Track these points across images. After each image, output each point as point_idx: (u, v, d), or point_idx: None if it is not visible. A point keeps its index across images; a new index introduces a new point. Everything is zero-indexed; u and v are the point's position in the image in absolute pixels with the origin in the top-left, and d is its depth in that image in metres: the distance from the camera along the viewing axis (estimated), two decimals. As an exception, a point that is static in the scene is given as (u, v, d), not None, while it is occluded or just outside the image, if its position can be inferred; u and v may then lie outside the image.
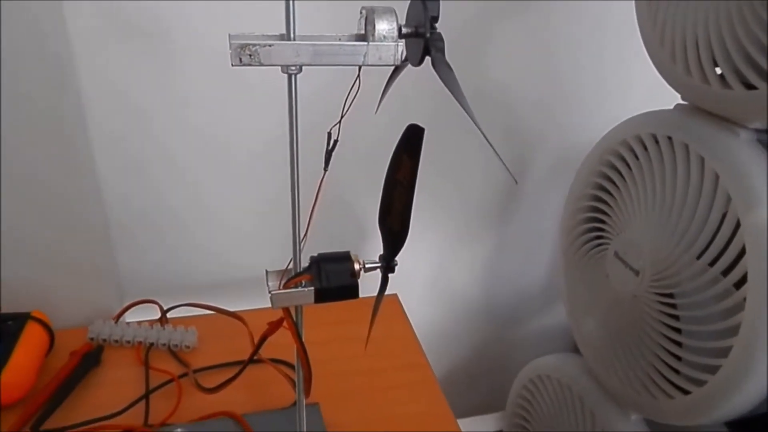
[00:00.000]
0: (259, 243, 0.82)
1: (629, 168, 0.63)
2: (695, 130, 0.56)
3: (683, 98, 0.59)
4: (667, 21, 0.57)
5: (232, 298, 0.80)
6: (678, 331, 0.57)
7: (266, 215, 0.80)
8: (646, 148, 0.61)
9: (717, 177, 0.52)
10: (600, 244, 0.68)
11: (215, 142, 0.75)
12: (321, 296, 0.47)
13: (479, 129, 0.36)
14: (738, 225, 0.50)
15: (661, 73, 0.59)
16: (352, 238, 0.85)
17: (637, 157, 0.62)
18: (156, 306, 0.77)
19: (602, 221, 0.67)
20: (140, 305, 0.76)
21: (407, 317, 0.82)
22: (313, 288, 0.47)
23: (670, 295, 0.57)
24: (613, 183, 0.65)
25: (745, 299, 0.49)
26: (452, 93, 0.38)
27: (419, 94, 0.72)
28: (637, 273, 0.60)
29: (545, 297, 1.04)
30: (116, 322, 0.73)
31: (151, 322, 0.74)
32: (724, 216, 0.52)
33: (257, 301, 0.72)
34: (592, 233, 0.69)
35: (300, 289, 0.47)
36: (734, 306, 0.51)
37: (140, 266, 0.81)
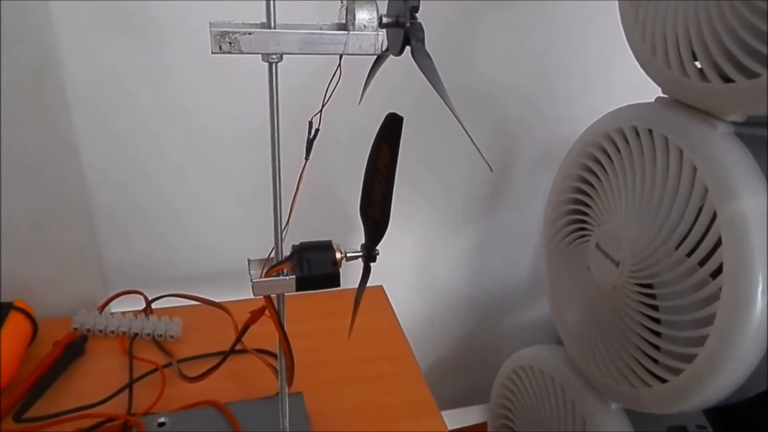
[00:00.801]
0: (244, 233, 0.82)
1: (611, 160, 0.64)
2: (675, 122, 0.57)
3: (664, 91, 0.60)
4: (648, 16, 0.58)
5: (217, 288, 0.80)
6: (656, 321, 0.58)
7: (251, 205, 0.80)
8: (627, 141, 0.62)
9: (695, 169, 0.53)
10: (582, 236, 0.68)
11: (202, 131, 0.75)
12: (302, 284, 0.47)
13: (457, 118, 0.37)
14: (714, 216, 0.51)
15: (642, 66, 0.60)
16: (337, 228, 0.85)
17: (618, 150, 0.63)
18: (141, 296, 0.77)
19: (584, 213, 0.68)
20: (125, 296, 0.76)
21: (392, 308, 0.82)
22: (294, 276, 0.47)
23: (649, 286, 0.58)
24: (596, 175, 0.66)
25: (720, 289, 0.50)
26: (431, 82, 0.38)
27: (404, 84, 0.73)
28: (617, 264, 0.61)
29: (530, 289, 1.05)
30: (101, 313, 0.73)
31: (136, 313, 0.74)
32: (701, 208, 0.53)
33: (242, 292, 0.72)
34: (574, 225, 0.70)
35: (282, 277, 0.47)
36: (710, 296, 0.52)
37: (125, 256, 0.81)
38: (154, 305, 0.76)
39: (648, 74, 0.59)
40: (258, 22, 0.41)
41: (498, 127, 0.88)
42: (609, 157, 0.64)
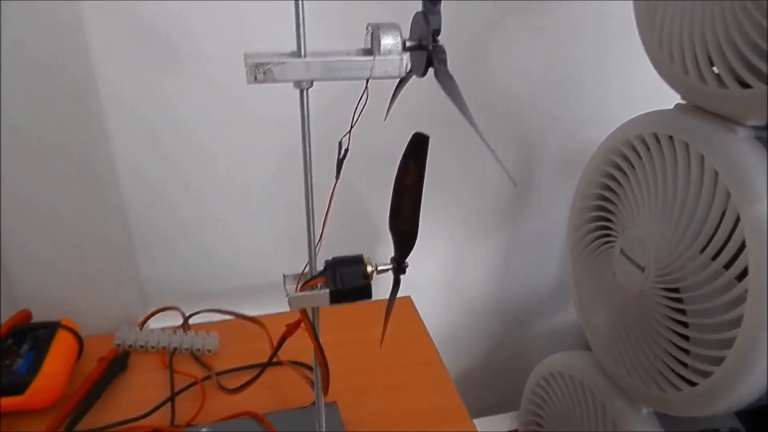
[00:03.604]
0: (278, 249, 0.85)
1: (632, 167, 0.64)
2: (695, 128, 0.57)
3: (683, 98, 0.61)
4: (665, 22, 0.59)
5: (250, 304, 0.82)
6: (684, 324, 0.58)
7: (283, 222, 0.83)
8: (648, 148, 0.62)
9: (716, 174, 0.54)
10: (607, 242, 0.69)
11: (229, 158, 0.79)
12: (336, 298, 0.50)
13: (480, 135, 0.38)
14: (738, 220, 0.52)
15: (660, 73, 0.61)
16: (366, 241, 0.88)
17: (639, 156, 0.64)
18: (178, 312, 0.80)
19: (608, 219, 0.69)
20: (163, 312, 0.79)
21: (420, 318, 0.84)
22: (328, 290, 0.49)
23: (676, 290, 0.59)
24: (618, 182, 0.67)
25: (747, 291, 0.51)
26: (453, 102, 0.40)
27: (430, 98, 0.75)
28: (642, 269, 0.62)
29: (557, 295, 1.06)
30: (141, 329, 0.76)
31: (174, 329, 0.77)
32: (725, 211, 0.54)
33: (274, 307, 0.75)
34: (598, 231, 0.71)
35: (316, 291, 0.50)
36: (737, 298, 0.52)
37: (162, 275, 0.84)
38: (191, 321, 0.79)
39: (666, 81, 0.60)
40: (288, 51, 0.43)
41: (520, 137, 0.90)
42: (631, 163, 0.65)
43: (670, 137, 0.59)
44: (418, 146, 0.42)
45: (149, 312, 0.79)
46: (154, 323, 0.79)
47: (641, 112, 0.67)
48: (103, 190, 0.73)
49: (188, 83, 0.73)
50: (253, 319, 0.75)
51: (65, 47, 0.64)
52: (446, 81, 0.41)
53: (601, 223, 0.70)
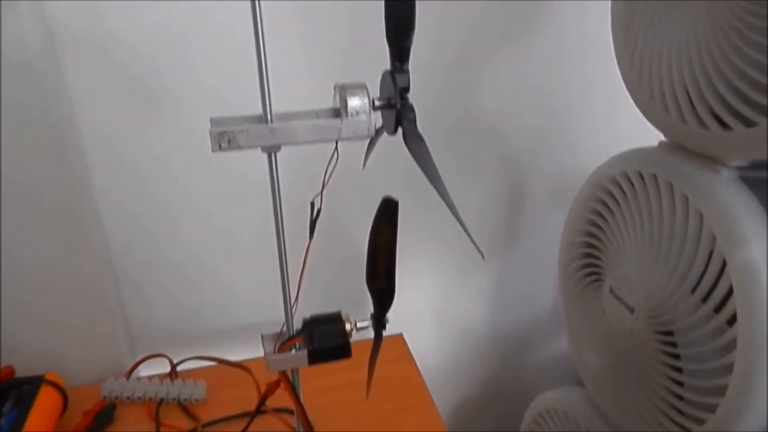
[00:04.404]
0: (263, 295, 0.84)
1: (618, 204, 0.63)
2: (679, 168, 0.56)
3: (665, 135, 0.60)
4: (643, 60, 0.58)
5: (239, 346, 0.82)
6: (678, 369, 0.57)
7: (267, 271, 0.82)
8: (633, 185, 0.61)
9: (701, 216, 0.52)
10: (596, 280, 0.68)
11: (216, 206, 0.78)
12: (314, 358, 0.49)
13: (447, 204, 0.38)
14: (725, 263, 0.51)
15: (641, 110, 0.60)
16: (348, 292, 0.87)
17: (625, 194, 0.62)
18: (166, 359, 0.78)
19: (596, 257, 0.68)
20: (151, 359, 0.78)
21: (412, 357, 0.82)
22: (306, 350, 0.48)
23: (669, 333, 0.57)
24: (604, 218, 0.66)
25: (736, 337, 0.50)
26: (422, 168, 0.39)
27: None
28: (632, 310, 0.60)
29: (551, 324, 1.04)
30: (128, 379, 0.75)
31: (162, 377, 0.76)
32: (712, 252, 0.53)
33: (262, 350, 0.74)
34: (587, 269, 0.69)
35: (294, 352, 0.49)
36: (729, 343, 0.51)
37: (150, 320, 0.83)
38: (179, 367, 0.78)
39: (648, 119, 0.60)
40: (255, 114, 0.43)
41: (508, 161, 0.89)
42: (616, 200, 0.64)
43: (655, 176, 0.58)
44: (387, 211, 0.41)
45: (137, 359, 0.78)
46: (141, 370, 0.78)
47: (629, 138, 0.65)
48: (88, 238, 0.72)
49: (171, 131, 0.72)
50: (239, 366, 0.74)
51: (44, 94, 0.64)
52: (415, 144, 0.41)
53: (590, 260, 0.69)
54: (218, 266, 0.83)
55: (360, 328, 0.50)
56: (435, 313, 0.97)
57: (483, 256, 0.36)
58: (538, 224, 0.95)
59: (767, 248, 0.49)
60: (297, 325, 0.50)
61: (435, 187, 0.38)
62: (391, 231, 0.42)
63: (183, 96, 0.70)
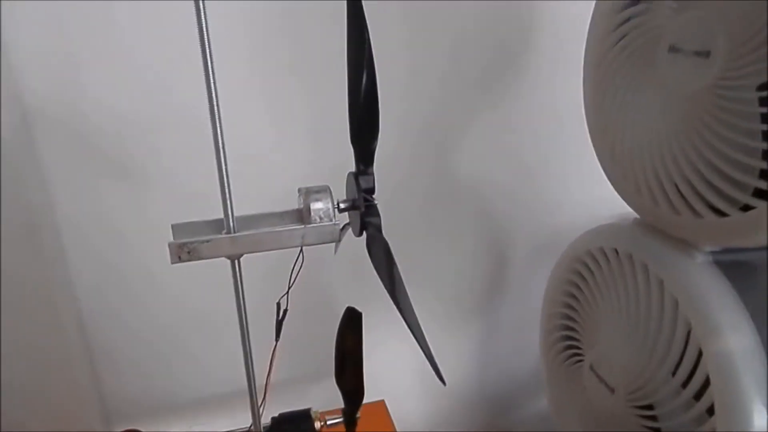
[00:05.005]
0: (234, 369, 0.82)
1: (595, 279, 0.63)
2: (653, 249, 0.56)
3: (639, 215, 0.59)
4: (615, 141, 0.58)
5: (215, 413, 0.80)
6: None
7: (237, 348, 0.81)
8: (609, 261, 0.61)
9: (677, 302, 0.52)
10: (576, 353, 0.67)
11: (188, 288, 0.77)
12: (283, 460, 0.47)
13: (409, 325, 0.37)
14: (702, 351, 0.50)
15: (615, 188, 0.60)
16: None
17: (602, 269, 0.62)
18: (140, 433, 0.76)
19: (575, 329, 0.67)
20: (124, 435, 0.76)
21: (393, 425, 0.80)
22: (274, 453, 0.47)
23: (653, 418, 0.56)
24: (582, 291, 0.65)
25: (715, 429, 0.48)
26: (381, 279, 0.39)
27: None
28: (612, 390, 0.59)
29: (537, 381, 1.03)
30: (101, 455, 0.73)
31: (136, 452, 0.74)
32: (689, 335, 0.52)
33: (240, 417, 0.72)
34: (567, 341, 0.68)
35: (261, 455, 0.47)
36: (709, 432, 0.50)
37: (125, 393, 0.82)
38: (153, 441, 0.76)
39: (622, 198, 0.59)
40: (217, 218, 0.42)
41: (489, 220, 0.89)
42: (593, 275, 0.63)
43: (630, 256, 0.58)
44: (351, 320, 0.40)
45: (110, 434, 0.76)
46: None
47: (606, 200, 0.63)
48: (61, 311, 0.71)
49: (140, 215, 0.72)
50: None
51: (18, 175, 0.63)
52: (377, 251, 0.40)
53: (569, 332, 0.68)
54: (190, 343, 0.81)
55: (331, 425, 0.49)
56: (418, 376, 0.95)
57: (444, 383, 0.35)
58: (522, 282, 0.94)
59: (743, 338, 0.48)
60: (266, 420, 0.49)
61: (396, 304, 0.38)
62: (356, 338, 0.41)
63: (155, 182, 0.70)
